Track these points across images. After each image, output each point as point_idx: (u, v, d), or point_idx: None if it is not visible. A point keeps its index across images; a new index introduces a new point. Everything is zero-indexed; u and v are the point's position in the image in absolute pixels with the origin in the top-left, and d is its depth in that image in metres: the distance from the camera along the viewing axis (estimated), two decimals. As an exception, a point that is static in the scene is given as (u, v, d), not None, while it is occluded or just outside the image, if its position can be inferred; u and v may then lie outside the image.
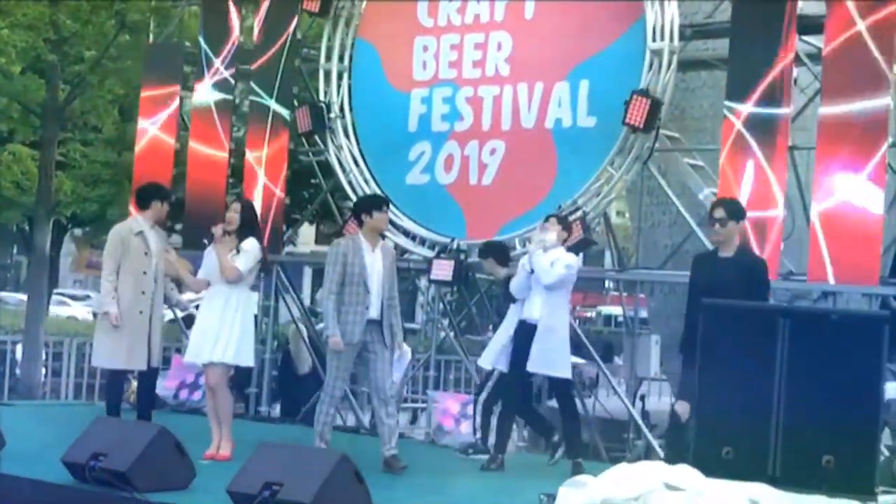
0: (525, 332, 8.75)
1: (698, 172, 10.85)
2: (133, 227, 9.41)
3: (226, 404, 8.75)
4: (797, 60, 9.85)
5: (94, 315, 30.55)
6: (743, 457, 6.58)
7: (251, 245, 8.57)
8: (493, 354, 9.26)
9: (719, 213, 7.90)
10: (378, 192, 11.58)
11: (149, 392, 9.70)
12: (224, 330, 8.49)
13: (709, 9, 11.00)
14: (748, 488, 5.78)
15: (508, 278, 9.47)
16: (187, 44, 13.43)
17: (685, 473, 5.85)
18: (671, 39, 10.14)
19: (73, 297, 35.22)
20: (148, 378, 9.54)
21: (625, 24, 10.50)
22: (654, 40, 10.18)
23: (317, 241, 37.05)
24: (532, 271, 8.77)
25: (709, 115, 11.96)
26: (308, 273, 38.71)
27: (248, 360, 8.90)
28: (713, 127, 11.09)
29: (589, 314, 35.77)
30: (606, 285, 25.34)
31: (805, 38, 9.96)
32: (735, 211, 7.96)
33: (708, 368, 6.82)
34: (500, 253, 10.06)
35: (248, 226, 8.69)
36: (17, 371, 14.89)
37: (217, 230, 8.63)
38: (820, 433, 6.42)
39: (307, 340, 13.82)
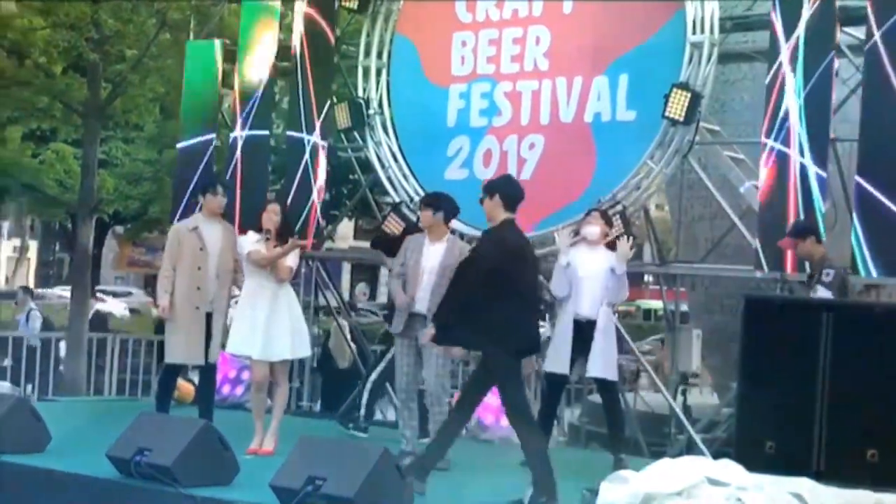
0: (577, 331, 8.72)
1: (739, 165, 10.77)
2: (189, 223, 9.46)
3: (284, 399, 8.84)
4: (839, 52, 9.76)
5: (131, 311, 30.85)
6: (786, 451, 6.54)
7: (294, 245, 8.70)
8: (564, 358, 8.82)
9: None
10: (417, 187, 11.60)
11: (208, 388, 9.72)
12: (283, 325, 8.54)
13: (748, 1, 10.93)
14: (792, 483, 5.74)
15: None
16: (227, 41, 13.48)
17: (728, 468, 5.82)
18: (711, 32, 10.08)
19: (114, 294, 35.50)
20: (206, 374, 9.59)
21: (664, 18, 10.45)
22: (693, 33, 10.12)
23: (355, 237, 37.20)
24: (567, 266, 8.75)
25: (749, 108, 11.88)
26: (347, 268, 38.91)
27: (307, 351, 9.08)
28: (754, 119, 11.00)
29: (629, 308, 35.62)
30: (646, 279, 25.26)
31: (846, 29, 9.87)
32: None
33: (750, 363, 6.80)
34: (386, 245, 10.26)
35: (288, 226, 8.80)
36: (61, 367, 15.01)
37: (272, 229, 8.69)
38: (864, 427, 6.38)
39: (347, 335, 13.86)
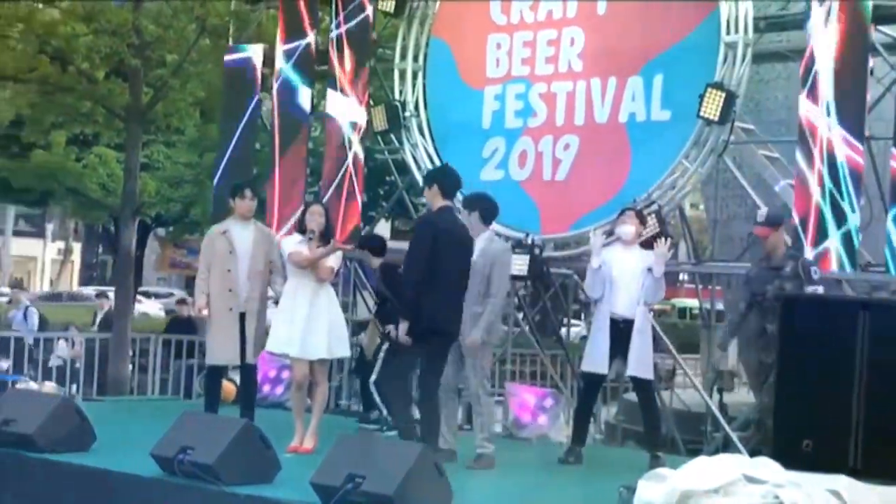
0: (613, 330, 8.68)
1: (774, 164, 10.71)
2: (220, 226, 9.51)
3: (324, 398, 8.87)
4: (873, 50, 9.68)
5: (167, 312, 31.02)
6: (823, 449, 6.50)
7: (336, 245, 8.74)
8: (601, 357, 8.72)
9: None
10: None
11: (249, 388, 9.76)
12: (322, 325, 8.55)
13: (782, 1, 10.86)
14: (828, 480, 5.69)
15: (385, 266, 9.83)
16: (265, 46, 13.54)
17: (765, 466, 5.79)
18: (745, 32, 10.02)
19: (157, 295, 35.76)
20: (247, 374, 9.63)
21: (698, 18, 10.40)
22: (728, 33, 10.07)
23: (392, 237, 37.27)
24: (599, 268, 8.71)
25: (784, 107, 11.82)
26: (384, 269, 39.03)
27: (345, 351, 9.06)
28: (788, 118, 10.95)
29: (664, 307, 35.48)
30: (681, 277, 25.17)
31: (881, 28, 9.79)
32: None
33: (787, 361, 6.76)
34: (376, 245, 10.34)
35: (331, 227, 8.85)
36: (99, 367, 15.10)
37: (316, 231, 8.71)
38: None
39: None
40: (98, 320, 17.53)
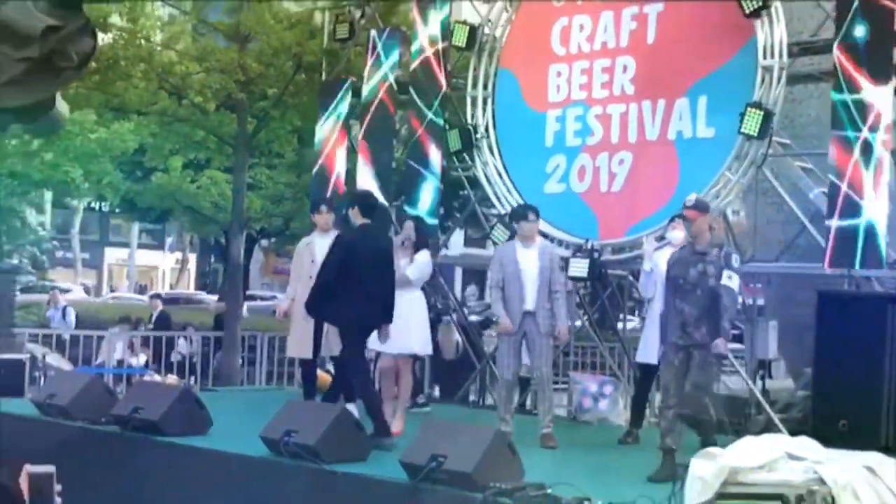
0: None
1: (808, 174, 10.53)
2: (306, 239, 9.61)
3: (408, 387, 8.90)
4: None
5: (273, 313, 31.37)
6: (858, 428, 6.39)
7: (423, 256, 8.77)
8: (654, 350, 8.43)
9: None
10: (521, 201, 11.57)
11: (337, 378, 9.78)
12: (404, 325, 8.59)
13: (813, 27, 10.69)
14: (863, 457, 5.60)
15: None
16: (353, 79, 13.63)
17: (805, 444, 5.71)
18: (780, 57, 9.87)
19: (262, 298, 36.09)
20: (336, 367, 9.69)
21: (738, 44, 10.26)
22: (765, 58, 9.92)
23: (466, 245, 37.27)
24: (651, 271, 8.65)
25: (816, 123, 11.61)
26: (459, 272, 39.02)
27: (426, 349, 9.13)
28: (820, 133, 10.76)
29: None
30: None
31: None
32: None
33: (824, 350, 6.66)
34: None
35: (421, 239, 8.93)
36: (213, 362, 15.30)
37: (397, 240, 8.82)
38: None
39: (460, 330, 13.87)
40: (154, 318, 17.59)
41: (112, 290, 31.12)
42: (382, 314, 8.18)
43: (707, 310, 7.05)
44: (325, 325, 9.10)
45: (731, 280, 7.04)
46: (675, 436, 6.92)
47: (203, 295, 36.15)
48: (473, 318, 17.96)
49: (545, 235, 11.43)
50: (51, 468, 3.11)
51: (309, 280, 9.17)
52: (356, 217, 8.38)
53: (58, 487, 3.04)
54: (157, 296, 20.29)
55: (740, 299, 8.65)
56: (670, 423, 6.92)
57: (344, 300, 8.01)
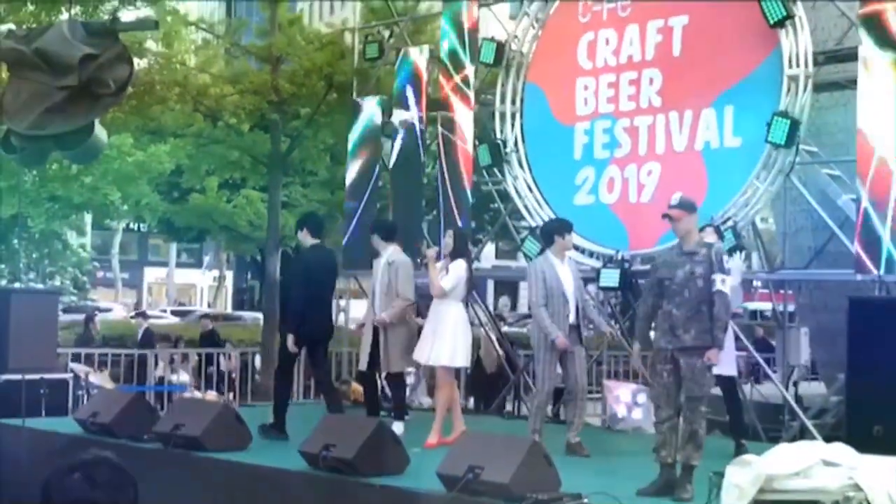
0: None
1: (836, 181, 10.46)
2: (376, 260, 9.59)
3: (445, 399, 8.82)
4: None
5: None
6: (892, 434, 6.30)
7: (456, 266, 8.67)
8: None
9: None
10: (551, 213, 11.56)
11: (392, 392, 9.79)
12: (440, 338, 8.58)
13: (838, 35, 10.62)
14: (900, 463, 5.52)
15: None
16: (384, 97, 13.68)
17: (840, 450, 5.63)
18: (806, 66, 9.81)
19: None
20: (388, 381, 9.86)
21: (763, 54, 10.21)
22: (790, 67, 9.86)
23: (497, 257, 37.23)
24: None
25: (843, 130, 11.51)
26: (490, 284, 38.95)
27: (463, 361, 8.96)
28: (846, 140, 10.67)
29: (736, 310, 34.64)
30: (755, 284, 24.64)
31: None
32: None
33: (856, 356, 6.58)
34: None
35: (458, 249, 8.80)
36: (257, 377, 15.34)
37: (431, 252, 8.79)
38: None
39: (494, 342, 13.85)
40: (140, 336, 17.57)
41: (137, 311, 31.29)
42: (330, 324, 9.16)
43: (696, 312, 6.73)
44: (381, 339, 9.12)
45: (724, 284, 6.76)
46: (671, 449, 6.73)
47: (242, 312, 36.30)
48: (506, 329, 17.94)
49: (576, 247, 11.42)
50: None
51: (371, 295, 9.35)
52: (307, 238, 9.00)
53: None
54: (207, 315, 20.38)
55: (738, 303, 8.34)
56: (665, 436, 6.77)
57: (309, 314, 8.71)
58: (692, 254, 6.88)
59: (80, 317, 19.53)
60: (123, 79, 3.31)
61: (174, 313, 33.77)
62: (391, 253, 9.11)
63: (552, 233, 8.75)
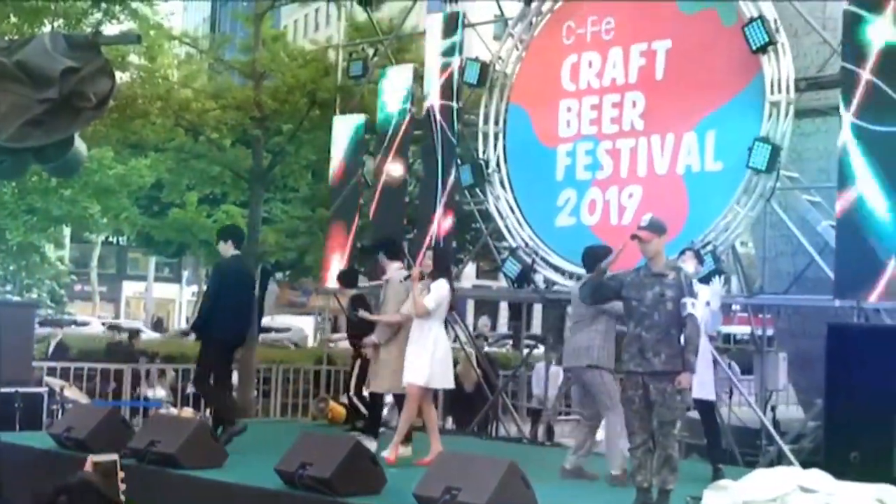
0: None
1: (816, 207, 10.52)
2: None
3: (408, 419, 8.77)
4: None
5: (295, 345, 31.44)
6: (869, 460, 6.32)
7: (439, 286, 8.62)
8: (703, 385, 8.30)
9: None
10: (532, 234, 11.58)
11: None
12: (420, 357, 8.52)
13: (819, 62, 10.71)
14: (875, 489, 5.53)
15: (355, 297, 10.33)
16: (367, 116, 13.69)
17: (817, 477, 5.64)
18: (787, 92, 9.89)
19: (277, 330, 36.00)
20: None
21: (745, 80, 10.28)
22: (772, 93, 9.94)
23: (478, 276, 37.23)
24: None
25: (823, 156, 11.61)
26: (471, 304, 38.95)
27: (446, 383, 8.91)
28: (827, 166, 10.75)
29: (711, 333, 34.70)
30: (733, 307, 24.71)
31: None
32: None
33: (834, 382, 6.60)
34: (347, 278, 10.97)
35: (439, 268, 8.76)
36: (234, 394, 15.22)
37: (414, 272, 8.74)
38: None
39: (473, 362, 13.82)
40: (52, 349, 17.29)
41: (103, 324, 31.04)
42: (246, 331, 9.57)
43: (666, 335, 6.68)
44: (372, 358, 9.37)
45: (694, 308, 6.72)
46: (646, 473, 6.70)
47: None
48: (486, 349, 17.92)
49: (557, 269, 11.44)
50: (113, 456, 3.44)
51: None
52: (229, 249, 9.33)
53: (121, 475, 3.15)
54: (186, 332, 20.18)
55: (717, 327, 8.31)
56: (640, 460, 6.75)
57: (222, 320, 9.05)
58: (661, 276, 6.86)
59: (54, 329, 19.29)
60: (105, 92, 3.29)
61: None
62: (394, 270, 9.28)
63: (598, 259, 8.36)
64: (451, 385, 9.16)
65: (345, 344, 11.50)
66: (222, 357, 9.44)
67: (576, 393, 8.41)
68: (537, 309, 27.86)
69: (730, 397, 12.41)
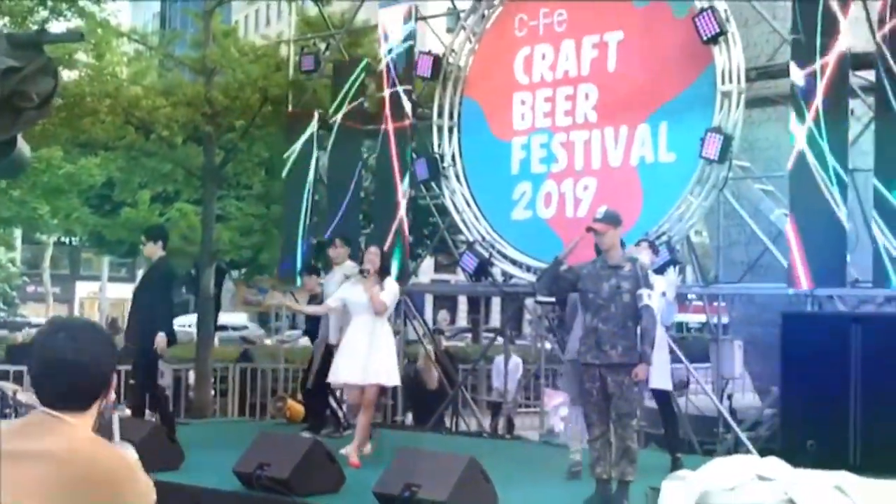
0: None
1: (768, 196, 10.60)
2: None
3: (370, 418, 8.72)
4: (852, 93, 9.58)
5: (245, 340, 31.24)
6: (826, 448, 6.37)
7: (393, 283, 8.61)
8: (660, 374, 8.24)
9: None
10: (489, 228, 11.57)
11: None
12: (377, 356, 8.46)
13: (770, 51, 10.79)
14: (832, 476, 5.58)
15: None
16: (320, 111, 13.60)
17: (775, 465, 5.68)
18: (739, 81, 9.95)
19: (234, 328, 35.74)
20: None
21: (697, 71, 10.34)
22: (723, 83, 10.00)
23: (436, 271, 37.24)
24: None
25: (775, 146, 11.69)
26: (430, 299, 38.97)
27: (396, 380, 8.90)
28: (779, 155, 10.83)
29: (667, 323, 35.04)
30: (689, 297, 24.92)
31: (858, 73, 9.69)
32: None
33: (790, 370, 6.65)
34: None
35: (385, 266, 8.74)
36: (190, 394, 15.10)
37: (373, 269, 8.65)
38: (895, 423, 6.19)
39: (433, 358, 13.80)
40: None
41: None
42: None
43: (623, 327, 6.71)
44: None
45: (650, 299, 6.76)
46: (605, 465, 6.72)
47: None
48: (445, 343, 17.88)
49: (514, 262, 11.44)
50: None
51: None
52: (158, 250, 9.41)
53: None
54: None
55: (672, 317, 8.34)
56: (599, 452, 6.77)
57: (163, 322, 9.11)
58: (617, 268, 6.89)
59: (10, 333, 19.02)
60: (48, 92, 3.20)
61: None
62: (348, 267, 9.30)
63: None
64: (397, 382, 9.14)
65: (304, 341, 11.47)
66: (155, 359, 9.35)
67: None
68: (496, 302, 27.90)
69: (686, 386, 12.50)
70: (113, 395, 2.63)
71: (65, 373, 2.44)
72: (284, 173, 13.88)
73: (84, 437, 2.42)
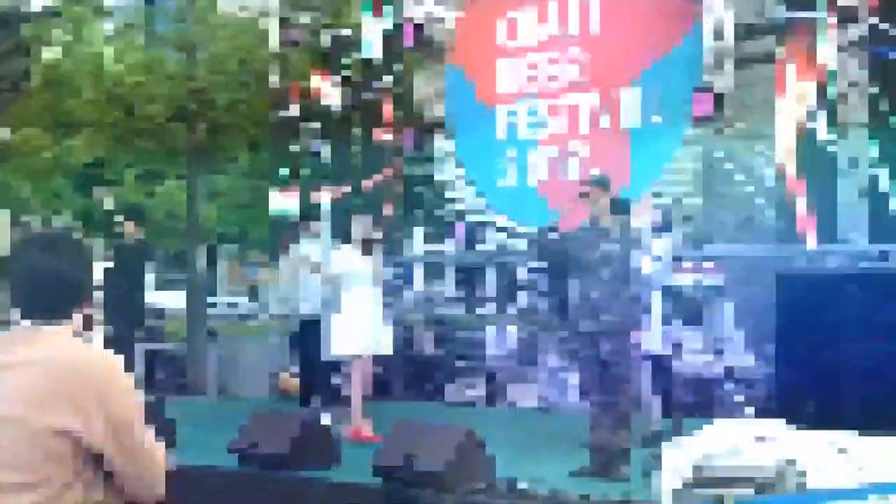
0: None
1: (758, 156, 10.53)
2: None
3: (366, 387, 8.73)
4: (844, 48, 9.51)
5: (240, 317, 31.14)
6: (823, 409, 6.36)
7: (379, 252, 8.60)
8: None
9: None
10: (476, 196, 11.52)
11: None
12: (375, 325, 8.44)
13: (758, 7, 10.68)
14: (832, 436, 5.55)
15: None
16: (304, 82, 13.47)
17: (773, 426, 5.65)
18: (727, 40, 9.85)
19: (228, 304, 35.65)
20: None
21: (684, 30, 10.24)
22: (711, 41, 9.91)
23: (425, 241, 37.19)
24: None
25: (764, 105, 11.61)
26: (420, 269, 39.05)
27: (389, 348, 9.00)
28: (768, 115, 10.76)
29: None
30: (681, 259, 24.91)
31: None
32: None
33: (786, 331, 6.62)
34: None
35: (376, 237, 8.77)
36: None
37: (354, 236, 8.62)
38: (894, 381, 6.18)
39: (426, 326, 13.73)
40: None
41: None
42: None
43: (616, 292, 6.65)
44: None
45: (644, 262, 6.76)
46: (603, 431, 6.69)
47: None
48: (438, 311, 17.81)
49: (503, 229, 11.39)
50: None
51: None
52: (138, 231, 9.80)
53: None
54: None
55: (667, 280, 8.37)
56: (596, 419, 6.73)
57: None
58: (609, 232, 6.84)
59: None
60: (20, 72, 3.13)
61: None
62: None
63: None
64: (390, 350, 9.11)
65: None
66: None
67: None
68: (488, 271, 27.79)
69: (680, 348, 12.45)
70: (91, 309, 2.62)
71: (42, 283, 2.49)
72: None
73: (66, 343, 2.50)
